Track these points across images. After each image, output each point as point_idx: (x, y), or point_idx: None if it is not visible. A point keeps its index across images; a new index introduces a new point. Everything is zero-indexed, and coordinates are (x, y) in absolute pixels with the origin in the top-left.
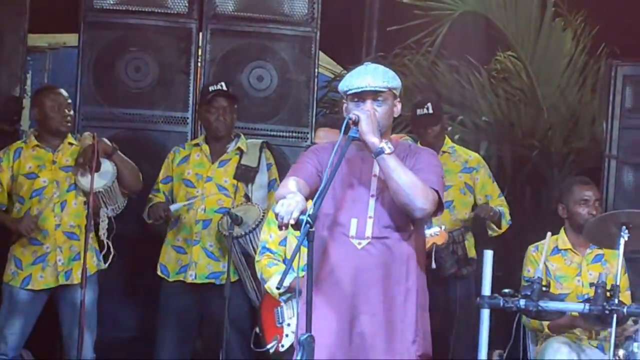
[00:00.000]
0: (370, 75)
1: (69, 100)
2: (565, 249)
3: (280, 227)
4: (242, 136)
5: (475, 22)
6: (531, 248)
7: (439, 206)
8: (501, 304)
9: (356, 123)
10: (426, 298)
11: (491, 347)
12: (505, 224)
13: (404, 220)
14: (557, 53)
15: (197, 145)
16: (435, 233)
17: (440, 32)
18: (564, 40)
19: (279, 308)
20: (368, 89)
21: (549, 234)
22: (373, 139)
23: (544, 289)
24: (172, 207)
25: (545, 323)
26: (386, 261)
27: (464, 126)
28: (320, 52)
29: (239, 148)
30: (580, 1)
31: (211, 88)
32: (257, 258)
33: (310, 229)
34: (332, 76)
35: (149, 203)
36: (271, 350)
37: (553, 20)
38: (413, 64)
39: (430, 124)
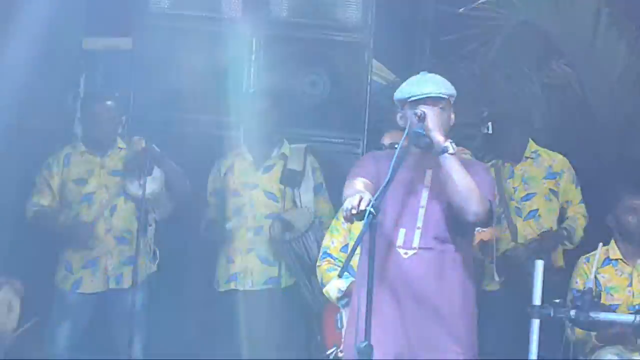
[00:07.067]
0: (432, 83)
1: (114, 110)
2: (616, 259)
3: (346, 219)
4: (285, 141)
5: (529, 32)
6: (582, 259)
7: (490, 217)
8: (552, 314)
9: (422, 119)
10: (473, 309)
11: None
12: (577, 240)
13: (451, 231)
14: (610, 62)
15: (239, 154)
16: (482, 229)
17: (495, 42)
18: (618, 50)
19: (339, 313)
20: (432, 95)
21: (600, 244)
22: (439, 137)
23: (595, 300)
24: (228, 226)
25: (594, 334)
26: (431, 272)
27: None
28: (374, 59)
29: (282, 153)
30: (636, 10)
31: (251, 90)
32: (318, 263)
33: (374, 220)
34: (385, 83)
35: (203, 221)
36: (331, 357)
37: (607, 30)
38: (466, 72)
39: None
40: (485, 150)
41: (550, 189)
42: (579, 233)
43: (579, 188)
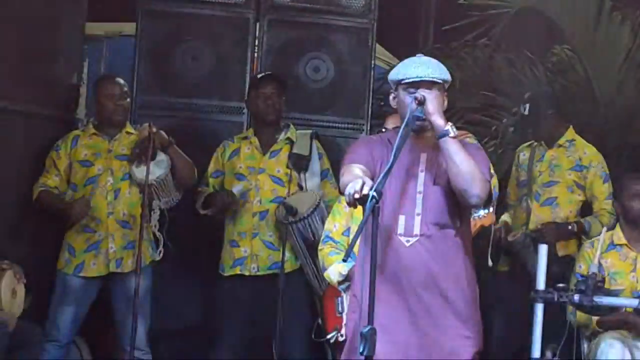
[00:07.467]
0: (427, 66)
1: (126, 89)
2: (621, 244)
3: (349, 204)
4: (292, 126)
5: (531, 16)
6: (586, 244)
7: (489, 199)
8: (555, 298)
9: (422, 103)
10: (476, 292)
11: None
12: (593, 235)
13: (450, 216)
14: (614, 47)
15: (246, 138)
16: (482, 215)
17: (497, 29)
18: (622, 34)
19: (339, 297)
20: (426, 78)
21: (603, 229)
22: (439, 120)
23: (599, 284)
24: (235, 190)
25: (595, 319)
26: (434, 258)
27: None
28: (377, 44)
29: (288, 138)
30: None
31: (259, 75)
32: (319, 247)
33: (376, 204)
34: (389, 68)
35: (200, 195)
36: (331, 341)
37: (611, 14)
38: (470, 57)
39: None
40: (521, 131)
41: (574, 181)
42: (597, 228)
43: (607, 184)
